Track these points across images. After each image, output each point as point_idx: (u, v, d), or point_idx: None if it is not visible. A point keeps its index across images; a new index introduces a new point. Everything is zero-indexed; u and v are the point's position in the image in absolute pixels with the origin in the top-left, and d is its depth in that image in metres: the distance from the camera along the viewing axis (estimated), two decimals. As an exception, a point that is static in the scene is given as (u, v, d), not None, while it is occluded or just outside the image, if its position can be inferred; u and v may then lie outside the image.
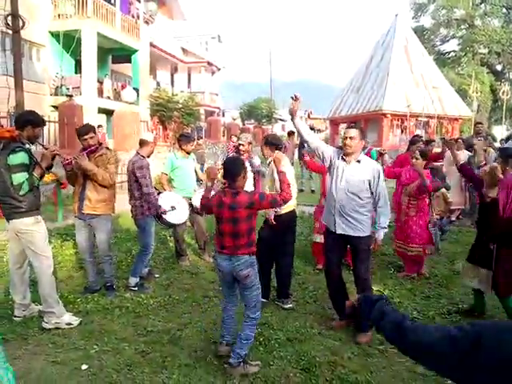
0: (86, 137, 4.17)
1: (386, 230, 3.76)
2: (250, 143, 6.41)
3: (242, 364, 3.16)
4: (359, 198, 3.64)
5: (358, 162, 3.68)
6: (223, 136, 20.81)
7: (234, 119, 26.22)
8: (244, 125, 26.54)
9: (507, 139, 5.63)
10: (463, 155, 7.22)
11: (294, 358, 3.38)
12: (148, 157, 4.75)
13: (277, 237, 4.27)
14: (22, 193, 3.54)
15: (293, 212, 4.35)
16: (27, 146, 3.66)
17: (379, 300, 1.45)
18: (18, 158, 3.53)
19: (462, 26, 35.15)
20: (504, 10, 33.97)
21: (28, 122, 3.69)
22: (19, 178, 3.52)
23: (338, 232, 3.73)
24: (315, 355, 3.40)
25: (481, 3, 34.61)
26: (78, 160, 4.08)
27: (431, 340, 1.21)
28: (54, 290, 3.86)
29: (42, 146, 3.97)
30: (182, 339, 3.65)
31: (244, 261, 3.11)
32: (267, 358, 3.37)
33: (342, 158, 3.71)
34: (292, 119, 3.89)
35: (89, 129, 4.26)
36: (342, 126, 29.27)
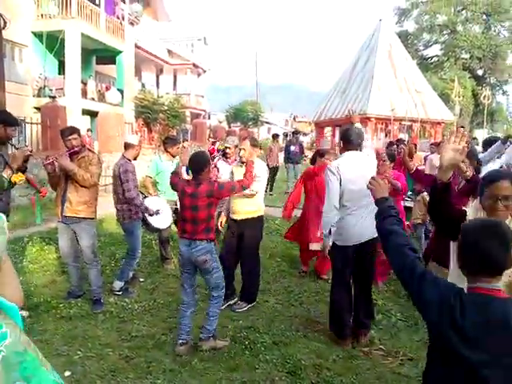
0: (69, 137, 4.10)
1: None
2: (236, 146, 6.43)
3: (211, 339, 3.51)
4: None
5: None
6: (209, 139, 20.77)
7: (220, 122, 26.18)
8: (230, 127, 26.52)
9: (486, 143, 5.73)
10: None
11: (280, 362, 3.39)
12: (134, 159, 4.71)
13: (241, 241, 4.37)
14: None
15: (260, 217, 4.44)
16: None
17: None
18: None
19: (445, 32, 35.84)
20: (484, 17, 34.73)
21: (0, 121, 3.57)
22: None
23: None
24: (301, 358, 3.42)
25: (462, 9, 35.32)
26: (59, 159, 4.00)
27: (401, 264, 1.73)
28: None
29: (14, 146, 3.82)
30: (167, 344, 3.63)
31: (202, 247, 3.37)
32: (253, 362, 3.38)
33: None
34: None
35: (73, 130, 4.20)
36: (328, 129, 29.51)
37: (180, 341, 3.48)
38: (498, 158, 5.46)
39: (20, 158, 3.57)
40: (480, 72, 36.59)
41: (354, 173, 3.51)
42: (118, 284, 4.62)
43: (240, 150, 4.37)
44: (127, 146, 4.66)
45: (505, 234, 1.52)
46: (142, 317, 4.15)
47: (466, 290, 1.57)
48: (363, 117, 22.99)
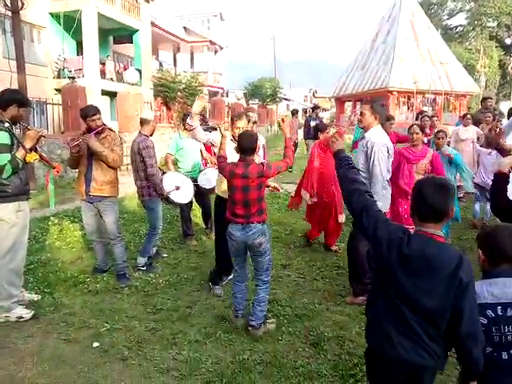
0: (94, 117, 4.13)
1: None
2: (255, 122, 6.35)
3: (262, 325, 3.42)
4: None
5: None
6: (227, 116, 20.66)
7: (238, 99, 25.97)
8: (248, 104, 26.29)
9: (511, 114, 5.44)
10: (471, 130, 7.11)
11: (303, 334, 3.42)
12: (151, 135, 4.71)
13: None
14: (5, 176, 3.39)
15: None
16: (6, 124, 3.46)
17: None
18: None
19: (470, -1, 34.26)
20: (514, -19, 32.94)
21: (13, 100, 3.52)
22: (1, 159, 3.35)
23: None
24: (323, 330, 3.44)
25: (490, -26, 33.57)
26: (88, 141, 4.04)
27: (360, 204, 2.01)
28: (9, 284, 3.60)
29: (26, 126, 3.75)
30: (191, 316, 3.69)
31: (257, 229, 3.31)
32: (276, 334, 3.41)
33: None
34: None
35: (97, 110, 4.22)
36: (348, 104, 28.92)
37: (239, 315, 3.55)
38: None
39: (33, 138, 3.55)
40: (508, 41, 35.07)
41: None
42: (141, 260, 4.70)
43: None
44: (143, 122, 4.66)
45: (448, 189, 1.82)
46: (166, 291, 4.23)
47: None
48: (385, 91, 22.46)
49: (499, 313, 1.84)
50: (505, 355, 1.85)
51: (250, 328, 3.42)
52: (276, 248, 5.43)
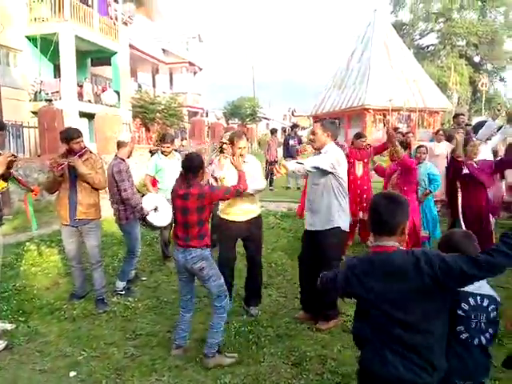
0: (78, 140, 4.10)
1: None
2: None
3: (217, 355, 3.25)
4: None
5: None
6: (207, 136, 20.73)
7: (218, 119, 26.14)
8: (228, 124, 26.46)
9: (476, 127, 5.81)
10: (443, 146, 7.31)
11: (285, 354, 3.39)
12: (128, 157, 4.69)
13: (249, 243, 4.15)
14: None
15: (258, 218, 4.17)
16: None
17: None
18: None
19: (440, 20, 35.63)
20: (480, 3, 34.50)
21: None
22: None
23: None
24: (305, 350, 3.42)
25: (457, -4, 35.13)
26: (75, 164, 3.99)
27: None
28: None
29: None
30: (172, 341, 3.62)
31: (196, 254, 3.19)
32: (258, 356, 3.37)
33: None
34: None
35: (80, 132, 4.20)
36: (326, 122, 29.36)
37: (175, 344, 3.42)
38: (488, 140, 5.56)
39: (3, 163, 3.41)
40: (477, 59, 36.43)
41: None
42: (120, 284, 4.62)
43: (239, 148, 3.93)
44: (119, 145, 4.63)
45: (399, 202, 1.92)
46: (145, 315, 4.15)
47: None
48: (361, 108, 22.97)
49: (478, 301, 2.06)
50: (476, 341, 2.07)
51: (203, 357, 3.27)
52: (257, 267, 5.41)
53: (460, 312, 2.04)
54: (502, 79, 37.27)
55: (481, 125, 5.84)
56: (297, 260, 5.62)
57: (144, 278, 5.13)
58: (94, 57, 18.69)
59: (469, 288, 1.93)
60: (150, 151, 7.16)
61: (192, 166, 3.21)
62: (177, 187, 3.27)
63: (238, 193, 3.43)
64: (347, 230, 3.88)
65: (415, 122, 22.92)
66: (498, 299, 2.12)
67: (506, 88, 37.74)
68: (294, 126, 14.23)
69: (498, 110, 5.45)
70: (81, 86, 16.61)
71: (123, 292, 4.59)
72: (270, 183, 11.60)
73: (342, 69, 26.62)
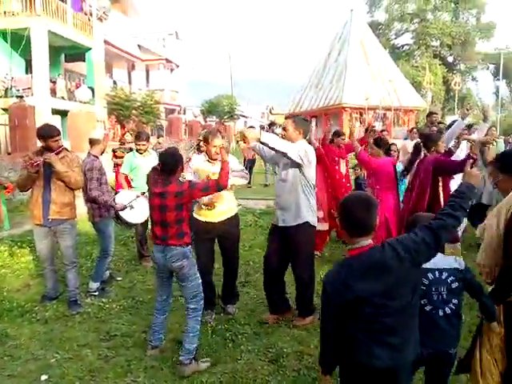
0: (57, 138, 3.99)
1: None
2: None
3: (193, 361, 3.12)
4: None
5: None
6: (185, 134, 20.57)
7: (196, 117, 25.96)
8: (206, 122, 26.30)
9: (448, 127, 5.85)
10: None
11: (262, 351, 3.38)
12: (101, 154, 4.59)
13: (225, 242, 4.05)
14: None
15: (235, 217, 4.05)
16: None
17: None
18: None
19: (415, 20, 36.38)
20: (453, 5, 35.36)
21: None
22: None
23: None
24: (282, 346, 3.42)
25: (431, -3, 35.92)
26: (52, 162, 3.86)
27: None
28: None
29: None
30: (147, 341, 3.57)
31: (176, 252, 3.11)
32: (235, 354, 3.36)
33: None
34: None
35: (58, 130, 4.08)
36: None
37: (150, 345, 3.36)
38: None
39: None
40: (450, 59, 37.35)
41: None
42: (93, 285, 4.51)
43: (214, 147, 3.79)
44: (92, 142, 4.52)
45: (371, 203, 1.93)
46: (120, 316, 4.07)
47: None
48: (338, 107, 23.21)
49: (437, 275, 2.23)
50: (441, 312, 2.23)
51: (178, 364, 3.15)
52: (234, 265, 5.40)
53: (422, 287, 2.15)
54: (474, 79, 38.43)
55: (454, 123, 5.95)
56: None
57: (119, 278, 5.03)
58: (67, 52, 18.25)
59: (426, 265, 2.00)
60: (113, 151, 7.04)
61: (170, 163, 3.10)
62: (152, 184, 3.16)
63: (219, 189, 3.24)
64: (315, 225, 3.86)
65: (391, 120, 23.32)
66: (462, 267, 2.24)
67: (478, 87, 38.91)
68: (272, 124, 14.23)
69: (468, 110, 5.45)
70: (54, 82, 16.20)
71: (97, 293, 4.49)
72: (249, 181, 11.59)
73: (320, 67, 26.86)
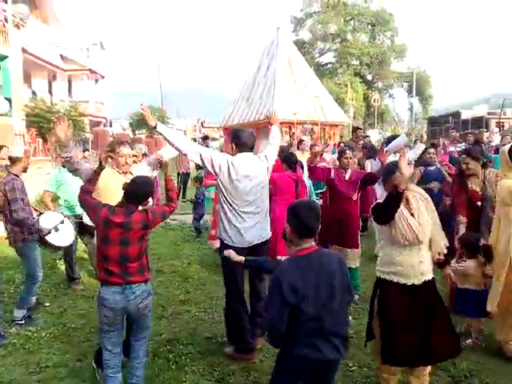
0: None
1: None
2: (144, 154, 6.19)
3: None
4: None
5: None
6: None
7: (124, 129, 25.10)
8: (135, 135, 25.51)
9: (389, 139, 6.27)
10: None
11: (207, 370, 3.32)
12: (24, 171, 4.25)
13: None
14: None
15: None
16: None
17: None
18: None
19: (336, 40, 38.60)
20: (370, 27, 38.10)
21: None
22: None
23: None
24: (228, 364, 3.38)
25: (350, 19, 38.41)
26: None
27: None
28: None
29: None
30: (83, 370, 3.34)
31: (142, 291, 2.73)
32: (179, 376, 3.25)
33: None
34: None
35: None
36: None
37: None
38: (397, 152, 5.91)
39: None
40: (369, 77, 40.02)
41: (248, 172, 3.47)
42: (19, 313, 4.14)
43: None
44: (13, 160, 4.16)
45: (316, 209, 2.23)
46: (51, 344, 3.77)
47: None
48: (268, 121, 23.78)
49: None
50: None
51: None
52: (174, 283, 5.26)
53: None
54: (390, 96, 41.47)
55: (393, 137, 6.33)
56: (214, 273, 5.57)
57: (47, 304, 4.66)
58: (-21, 60, 16.81)
59: None
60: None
61: (143, 194, 2.77)
62: (107, 213, 2.67)
63: (171, 212, 3.00)
64: (232, 243, 3.39)
65: (318, 134, 24.34)
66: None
67: (395, 104, 42.08)
68: (205, 138, 14.24)
69: (411, 133, 5.93)
70: (-37, 92, 14.80)
71: (23, 321, 4.12)
72: (183, 195, 11.41)
73: (250, 81, 27.30)
